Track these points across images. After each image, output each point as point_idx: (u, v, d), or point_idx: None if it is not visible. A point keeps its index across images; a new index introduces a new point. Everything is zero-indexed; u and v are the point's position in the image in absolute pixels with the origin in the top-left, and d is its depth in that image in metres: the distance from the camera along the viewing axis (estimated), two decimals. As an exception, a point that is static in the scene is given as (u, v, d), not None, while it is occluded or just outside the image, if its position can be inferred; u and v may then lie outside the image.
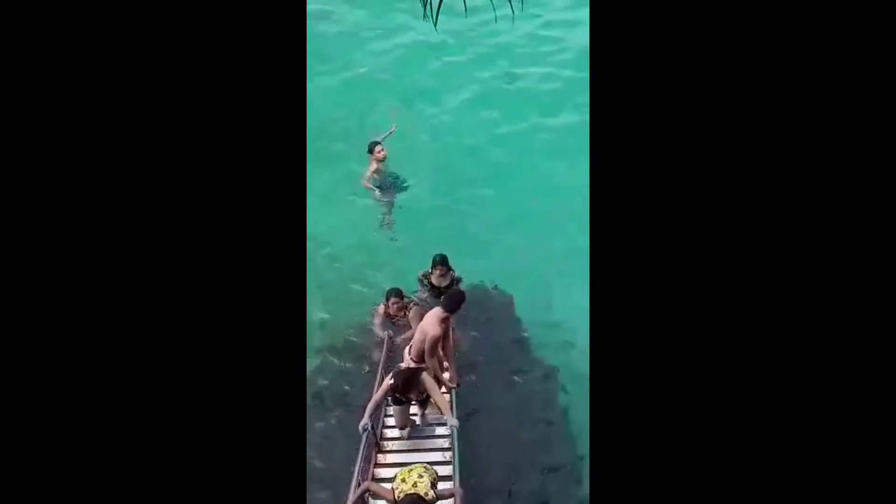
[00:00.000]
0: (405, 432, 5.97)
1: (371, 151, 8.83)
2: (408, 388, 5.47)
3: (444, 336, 6.04)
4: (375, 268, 8.27)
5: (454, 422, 5.56)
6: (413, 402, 5.80)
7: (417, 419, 6.08)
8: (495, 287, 8.03)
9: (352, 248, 8.59)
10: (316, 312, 7.36)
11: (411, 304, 6.98)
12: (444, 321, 5.87)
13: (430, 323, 5.87)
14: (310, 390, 6.50)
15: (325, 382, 6.86)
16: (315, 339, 7.16)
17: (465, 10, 3.68)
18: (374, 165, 8.81)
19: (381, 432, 5.99)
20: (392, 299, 6.95)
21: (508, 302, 7.88)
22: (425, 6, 2.82)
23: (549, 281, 8.03)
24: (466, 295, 6.10)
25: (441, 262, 7.21)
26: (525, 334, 7.59)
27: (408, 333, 6.66)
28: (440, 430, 5.94)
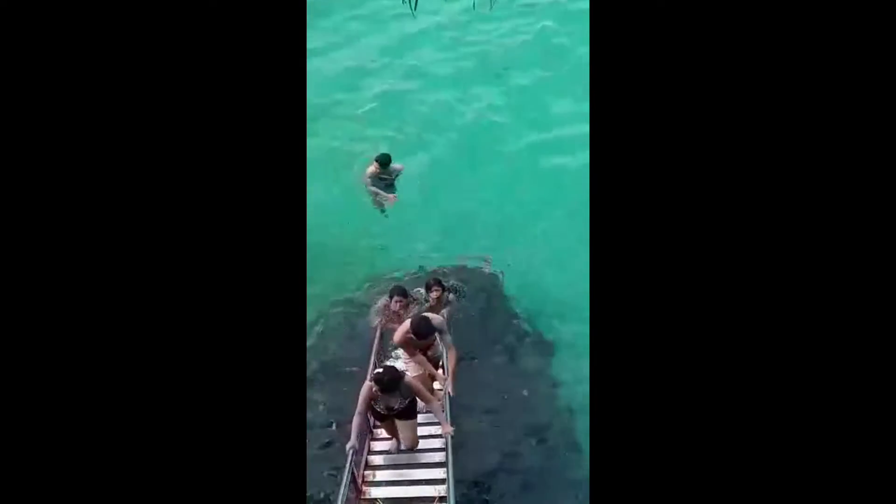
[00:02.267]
0: (392, 446, 5.23)
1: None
2: (390, 387, 4.64)
3: (421, 348, 5.52)
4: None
5: (449, 429, 4.78)
6: (395, 412, 4.94)
7: (391, 446, 5.29)
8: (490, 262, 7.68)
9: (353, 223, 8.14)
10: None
11: (415, 303, 6.35)
12: (408, 337, 5.22)
13: (399, 330, 5.38)
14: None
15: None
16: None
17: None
18: (376, 169, 7.90)
19: (368, 458, 5.17)
20: (395, 297, 6.26)
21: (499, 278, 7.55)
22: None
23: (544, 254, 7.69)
24: (432, 323, 5.25)
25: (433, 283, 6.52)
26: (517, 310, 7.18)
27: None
28: (429, 457, 5.15)
